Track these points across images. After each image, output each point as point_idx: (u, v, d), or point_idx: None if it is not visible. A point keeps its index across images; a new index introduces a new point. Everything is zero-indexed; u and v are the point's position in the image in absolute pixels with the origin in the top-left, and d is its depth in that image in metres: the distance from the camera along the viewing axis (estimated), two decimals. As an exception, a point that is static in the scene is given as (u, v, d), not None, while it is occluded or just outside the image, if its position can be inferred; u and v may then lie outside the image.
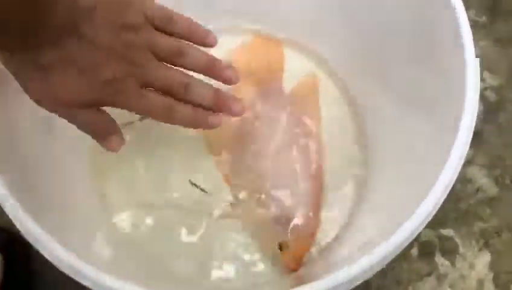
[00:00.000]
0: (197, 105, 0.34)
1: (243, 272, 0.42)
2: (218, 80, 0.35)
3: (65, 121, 0.31)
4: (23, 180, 0.30)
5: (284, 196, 0.44)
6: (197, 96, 0.33)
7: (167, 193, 0.44)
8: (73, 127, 0.32)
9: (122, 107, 0.32)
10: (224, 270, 0.42)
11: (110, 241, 0.41)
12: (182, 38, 0.34)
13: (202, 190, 0.43)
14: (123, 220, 0.42)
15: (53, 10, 0.26)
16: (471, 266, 0.47)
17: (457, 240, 0.48)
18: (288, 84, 0.50)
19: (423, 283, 0.46)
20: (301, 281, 0.40)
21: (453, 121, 0.31)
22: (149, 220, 0.42)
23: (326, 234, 0.44)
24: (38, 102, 0.30)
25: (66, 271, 0.25)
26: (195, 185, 0.42)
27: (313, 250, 0.43)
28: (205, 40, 0.34)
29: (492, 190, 0.50)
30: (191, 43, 0.35)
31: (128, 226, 0.42)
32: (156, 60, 0.32)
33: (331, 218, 0.44)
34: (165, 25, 0.33)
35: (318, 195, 0.44)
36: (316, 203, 0.44)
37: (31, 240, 0.26)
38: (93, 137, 0.33)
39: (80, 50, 0.28)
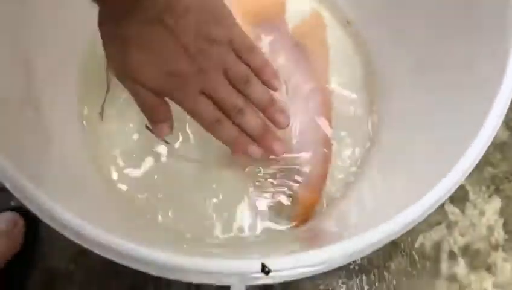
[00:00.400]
0: (243, 130, 0.35)
1: (246, 227, 0.39)
2: (269, 119, 0.36)
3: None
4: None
5: (291, 145, 0.41)
6: (245, 124, 0.35)
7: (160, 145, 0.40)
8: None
9: (178, 103, 0.33)
10: (227, 224, 0.39)
11: (100, 194, 0.37)
12: (252, 71, 0.35)
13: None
14: (112, 171, 0.39)
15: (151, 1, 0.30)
16: (481, 213, 0.46)
17: (468, 186, 0.46)
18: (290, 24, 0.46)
19: (433, 232, 0.45)
20: (313, 235, 0.38)
21: (493, 76, 0.28)
22: (141, 172, 0.39)
23: (335, 185, 0.41)
24: (111, 68, 0.33)
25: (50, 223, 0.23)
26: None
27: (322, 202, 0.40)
28: (270, 81, 0.35)
29: (503, 134, 0.48)
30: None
31: (121, 179, 0.39)
32: (222, 76, 0.34)
33: (340, 168, 0.42)
34: (243, 52, 0.34)
35: (327, 144, 0.41)
36: (325, 152, 0.41)
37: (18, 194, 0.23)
38: (146, 117, 0.34)
39: (160, 38, 0.31)
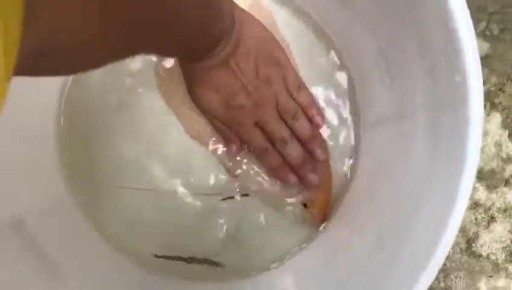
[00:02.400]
0: (285, 159, 0.40)
1: (276, 246, 0.43)
2: (309, 151, 0.41)
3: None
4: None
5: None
6: (288, 154, 0.40)
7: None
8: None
9: (236, 133, 0.41)
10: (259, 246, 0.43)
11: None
12: (300, 107, 0.41)
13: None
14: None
15: (219, 48, 0.35)
16: (485, 133, 0.47)
17: (464, 113, 0.47)
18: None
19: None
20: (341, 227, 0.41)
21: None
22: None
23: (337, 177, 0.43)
24: (190, 96, 0.41)
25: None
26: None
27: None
28: (315, 117, 0.41)
29: (483, 48, 0.48)
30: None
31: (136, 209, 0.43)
32: (274, 110, 0.40)
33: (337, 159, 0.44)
34: (293, 90, 0.40)
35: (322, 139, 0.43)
36: (324, 149, 0.43)
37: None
38: (221, 137, 0.42)
39: (223, 78, 0.37)
